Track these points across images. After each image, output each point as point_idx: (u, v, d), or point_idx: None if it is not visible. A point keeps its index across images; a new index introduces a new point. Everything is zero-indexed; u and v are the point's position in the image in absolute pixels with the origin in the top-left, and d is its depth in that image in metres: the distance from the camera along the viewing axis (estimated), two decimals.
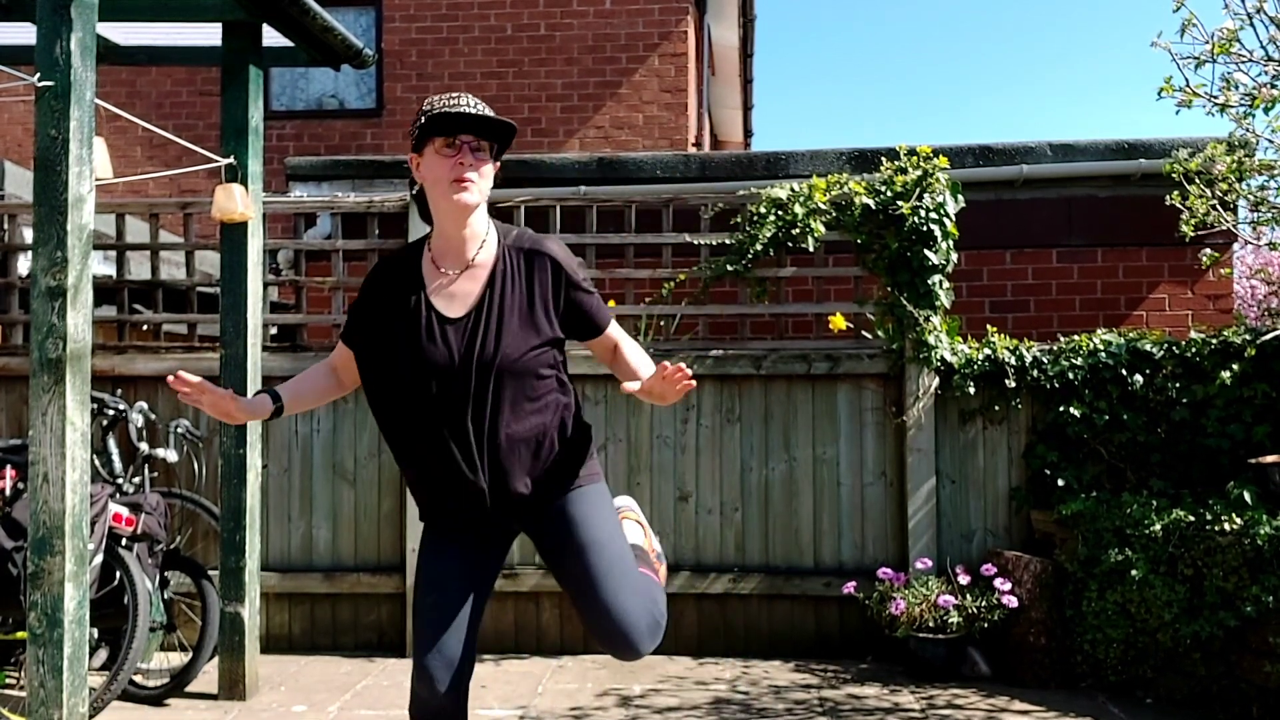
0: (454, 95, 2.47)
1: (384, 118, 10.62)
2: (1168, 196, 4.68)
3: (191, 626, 4.83)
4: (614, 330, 2.62)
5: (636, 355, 2.60)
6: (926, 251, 5.11)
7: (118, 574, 4.23)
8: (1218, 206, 4.51)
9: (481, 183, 2.44)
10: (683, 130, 10.34)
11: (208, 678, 4.60)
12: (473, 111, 2.41)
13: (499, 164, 2.52)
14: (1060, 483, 5.00)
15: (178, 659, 4.65)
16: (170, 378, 2.48)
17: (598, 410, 5.30)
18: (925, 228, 5.11)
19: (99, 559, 4.10)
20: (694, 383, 2.36)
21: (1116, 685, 4.57)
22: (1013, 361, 5.07)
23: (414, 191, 2.57)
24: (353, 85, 10.77)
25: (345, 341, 2.62)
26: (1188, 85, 4.23)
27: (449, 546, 2.55)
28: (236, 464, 4.51)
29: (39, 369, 3.29)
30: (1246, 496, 4.44)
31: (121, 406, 4.91)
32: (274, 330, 6.55)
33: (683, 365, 2.33)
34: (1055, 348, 5.11)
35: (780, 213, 5.26)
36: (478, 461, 2.44)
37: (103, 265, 5.98)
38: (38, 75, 3.30)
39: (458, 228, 2.47)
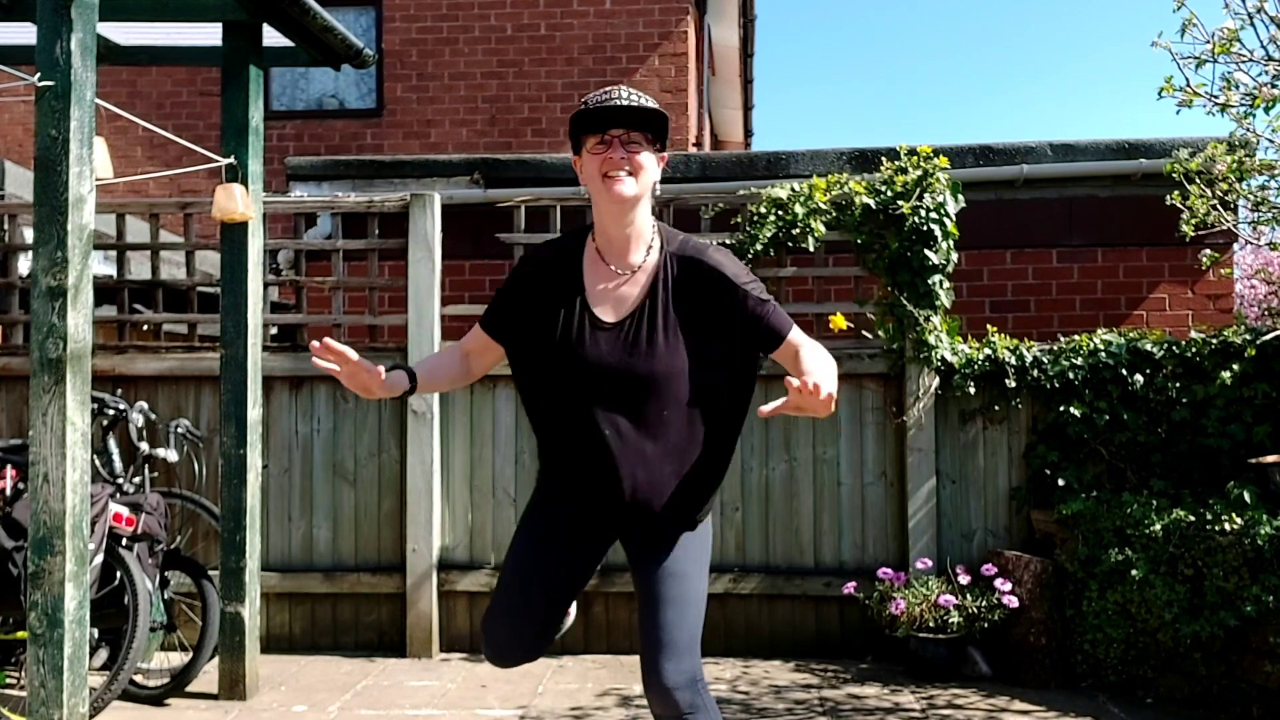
0: (606, 90, 2.38)
1: (384, 118, 10.62)
2: (1168, 196, 4.68)
3: (192, 626, 4.83)
4: (794, 336, 2.41)
5: (814, 360, 2.36)
6: (927, 251, 5.11)
7: (118, 574, 4.24)
8: (1218, 206, 4.51)
9: (637, 175, 2.32)
10: (683, 130, 10.34)
11: (208, 678, 4.60)
12: (620, 103, 2.30)
13: (663, 155, 2.41)
14: (1061, 483, 5.00)
15: (178, 659, 4.65)
16: (315, 344, 2.35)
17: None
18: (925, 227, 5.11)
19: (99, 559, 4.10)
20: (833, 394, 2.17)
21: (1117, 685, 4.57)
22: (1013, 361, 5.07)
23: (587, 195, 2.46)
24: (353, 85, 10.77)
25: (485, 328, 2.53)
26: (1188, 85, 4.23)
27: (561, 516, 2.53)
28: (237, 464, 4.51)
29: (39, 369, 3.29)
30: (1247, 496, 4.44)
31: (122, 406, 4.91)
32: (274, 330, 6.55)
33: (819, 383, 2.11)
34: (1056, 348, 5.11)
35: (780, 213, 5.26)
36: (617, 469, 2.36)
37: (103, 265, 5.98)
38: (38, 75, 3.30)
39: (619, 226, 2.37)
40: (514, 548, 2.57)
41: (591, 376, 2.35)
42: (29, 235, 5.19)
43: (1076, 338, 5.12)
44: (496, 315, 2.51)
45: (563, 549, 2.52)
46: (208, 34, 4.63)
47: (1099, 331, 5.17)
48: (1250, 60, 4.18)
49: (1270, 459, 4.56)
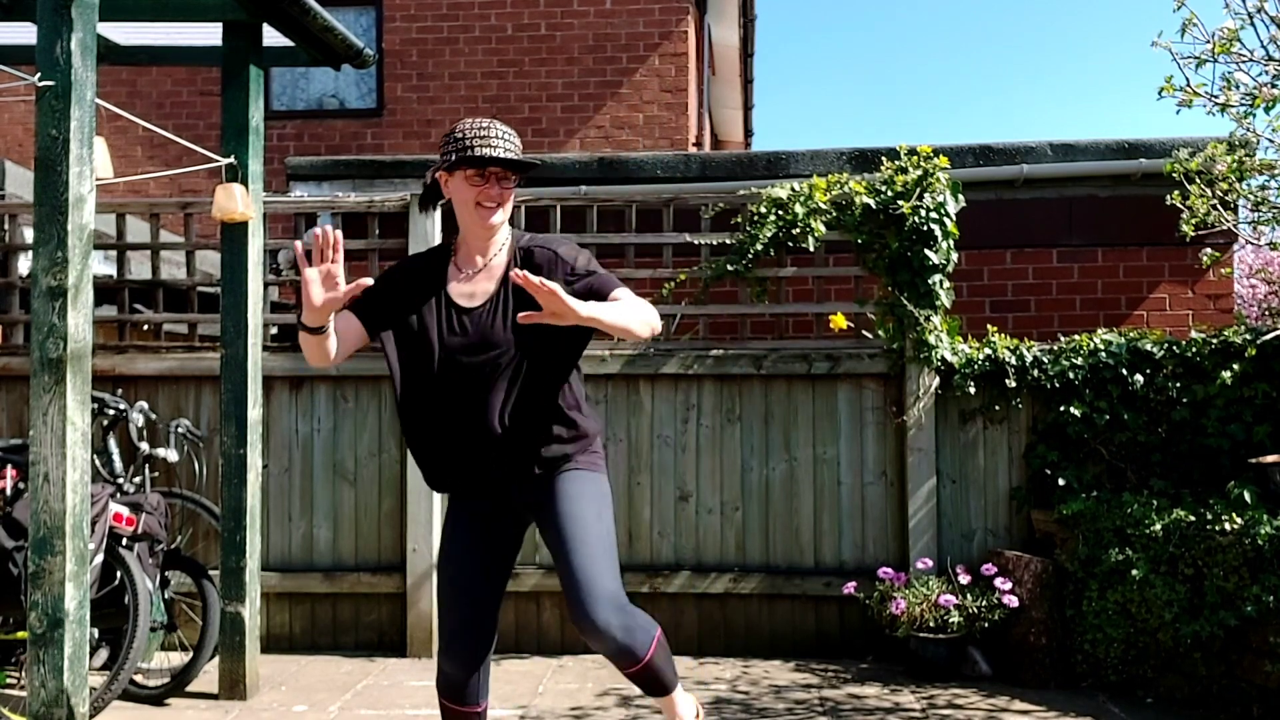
0: (483, 126, 2.71)
1: (384, 117, 10.62)
2: (1168, 196, 4.68)
3: (192, 626, 4.83)
4: (617, 293, 2.73)
5: (614, 304, 2.66)
6: (927, 251, 5.11)
7: (118, 574, 4.24)
8: (1218, 206, 4.51)
9: (506, 206, 2.77)
10: (683, 130, 10.35)
11: (208, 677, 4.60)
12: (502, 155, 2.69)
13: (515, 183, 2.78)
14: (1061, 482, 5.00)
15: (178, 659, 4.65)
16: (315, 231, 2.58)
17: (598, 410, 5.30)
18: (926, 227, 5.11)
19: (99, 559, 4.10)
20: (540, 284, 2.42)
21: (1117, 685, 4.57)
22: (1013, 361, 5.07)
23: (428, 199, 2.88)
24: (353, 85, 10.77)
25: (356, 313, 2.77)
26: (1188, 85, 4.23)
27: (465, 520, 2.84)
28: (237, 464, 4.51)
29: (40, 369, 3.29)
30: (1247, 496, 4.44)
31: (122, 406, 4.91)
32: (274, 330, 6.54)
33: (529, 276, 2.41)
34: (1056, 347, 5.11)
35: (781, 212, 5.26)
36: (486, 432, 2.71)
37: (103, 265, 5.98)
38: (38, 75, 3.30)
39: (483, 239, 2.79)
40: (442, 556, 2.87)
41: (459, 352, 2.73)
42: (29, 235, 5.19)
43: (1077, 338, 5.12)
44: (365, 304, 2.77)
45: (482, 551, 2.84)
46: (208, 34, 4.63)
47: (1099, 331, 5.17)
48: (1250, 60, 4.18)
49: (1270, 459, 4.56)
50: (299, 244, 2.58)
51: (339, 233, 2.58)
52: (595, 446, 2.89)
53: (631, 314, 2.64)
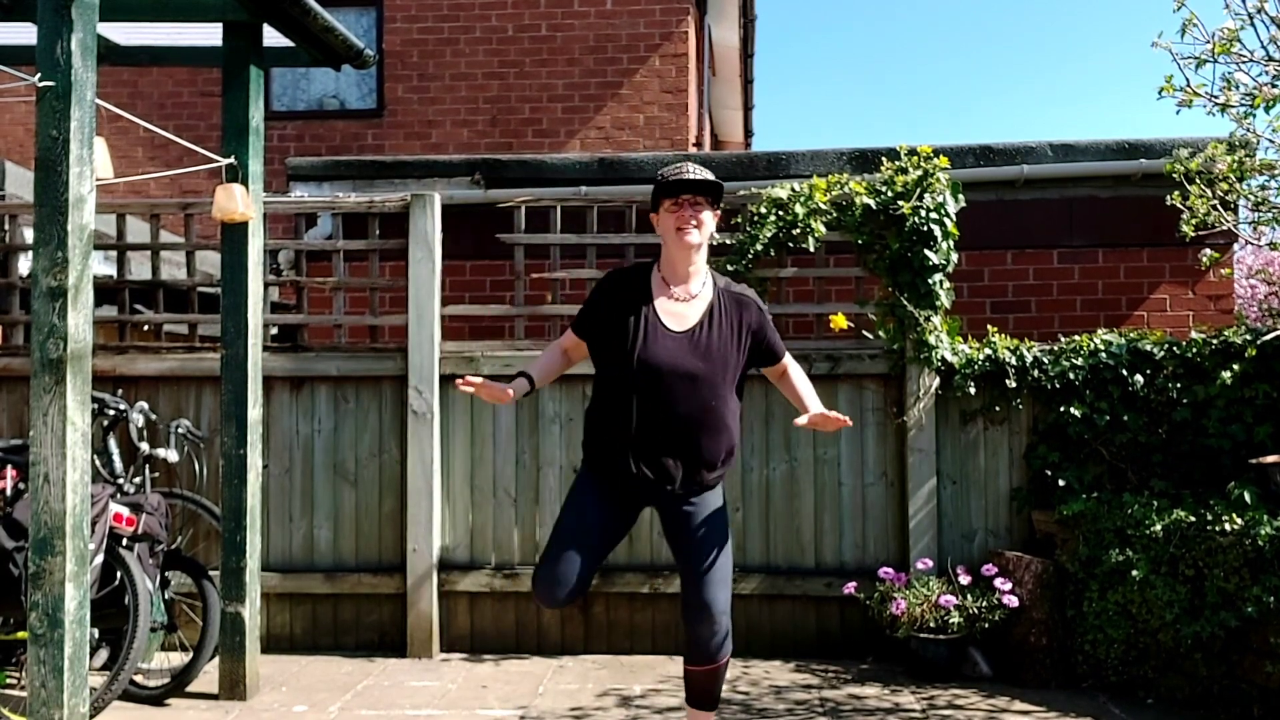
0: (679, 165, 3.22)
1: (385, 118, 10.62)
2: (1168, 196, 4.67)
3: (192, 626, 4.83)
4: (786, 360, 3.41)
5: (802, 382, 3.42)
6: (927, 252, 5.10)
7: (118, 574, 4.24)
8: (1218, 206, 4.51)
9: (702, 228, 3.18)
10: (683, 130, 10.35)
11: (208, 678, 4.60)
12: (690, 178, 3.15)
13: (719, 210, 3.26)
14: (1061, 483, 5.00)
15: (178, 659, 4.65)
16: (459, 382, 3.23)
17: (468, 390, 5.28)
18: (926, 228, 5.11)
19: (100, 559, 4.10)
20: (850, 422, 3.19)
21: (1118, 685, 4.57)
22: (1014, 362, 5.07)
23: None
24: (354, 86, 10.77)
25: (576, 331, 3.38)
26: (1188, 85, 4.23)
27: (600, 490, 3.26)
28: (237, 464, 4.51)
29: (40, 369, 3.29)
30: (1247, 497, 4.44)
31: (122, 406, 4.91)
32: (275, 330, 6.55)
33: (844, 417, 3.15)
34: (1056, 348, 5.10)
35: (781, 213, 5.26)
36: (665, 441, 3.14)
37: (103, 265, 5.98)
38: (38, 75, 3.30)
39: (685, 263, 3.22)
40: (571, 507, 3.28)
41: (662, 368, 3.13)
42: (29, 235, 5.19)
43: (1077, 338, 5.12)
44: (584, 321, 3.35)
45: (608, 508, 3.25)
46: (208, 34, 4.63)
47: (1099, 332, 5.17)
48: (1250, 60, 4.18)
49: (1271, 459, 4.56)
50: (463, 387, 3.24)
51: (475, 380, 3.22)
52: (732, 462, 3.34)
53: (813, 391, 3.39)
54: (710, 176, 3.19)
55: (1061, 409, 5.02)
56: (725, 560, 3.22)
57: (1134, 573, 4.42)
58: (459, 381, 3.24)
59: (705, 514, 3.23)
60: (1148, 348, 4.98)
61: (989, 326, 5.42)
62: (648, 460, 3.15)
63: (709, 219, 3.20)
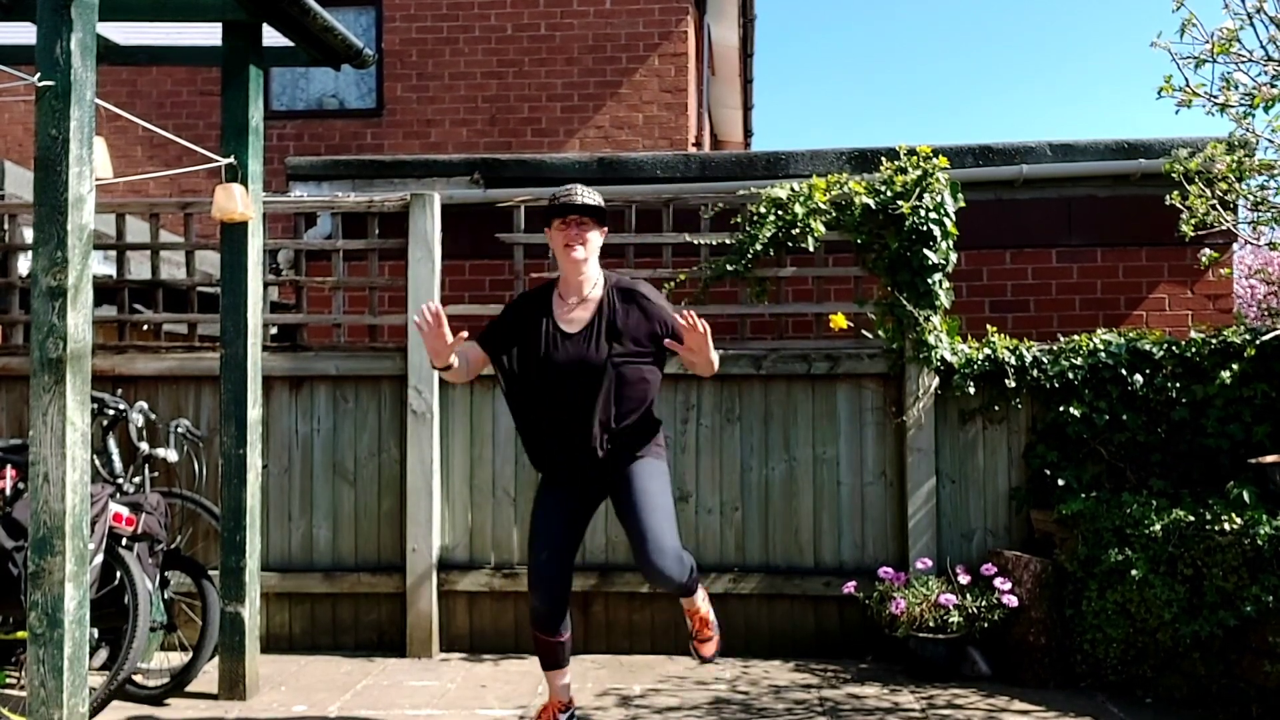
0: (569, 188, 3.61)
1: (384, 117, 10.63)
2: (1168, 196, 4.68)
3: (192, 626, 4.83)
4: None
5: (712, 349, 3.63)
6: (926, 251, 5.11)
7: (118, 574, 4.23)
8: (1218, 206, 4.51)
9: (588, 245, 3.60)
10: (683, 130, 10.35)
11: (208, 677, 4.60)
12: (579, 202, 3.56)
13: (604, 228, 3.67)
14: (1060, 482, 5.00)
15: (178, 659, 4.65)
16: (426, 306, 3.50)
17: (417, 322, 5.33)
18: (925, 227, 5.11)
19: (99, 559, 4.10)
20: (705, 325, 3.42)
21: (1116, 685, 4.57)
22: (1013, 361, 5.07)
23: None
24: (353, 85, 10.77)
25: (480, 344, 3.71)
26: (1187, 85, 4.23)
27: (555, 493, 3.68)
28: (237, 464, 4.51)
29: (39, 369, 3.29)
30: (1246, 496, 4.44)
31: (122, 406, 4.91)
32: (274, 330, 6.55)
33: (691, 313, 3.39)
34: (1055, 347, 5.11)
35: (780, 212, 5.26)
36: (583, 432, 3.51)
37: (103, 265, 5.98)
38: (38, 75, 3.30)
39: (575, 274, 3.63)
40: (535, 520, 3.71)
41: (562, 368, 3.54)
42: (29, 235, 5.19)
43: (1076, 338, 5.12)
44: (489, 336, 3.72)
45: (566, 517, 3.68)
46: (208, 34, 4.63)
47: (1099, 331, 5.17)
48: (1250, 60, 4.18)
49: (1270, 459, 4.56)
50: (415, 318, 3.49)
51: (438, 307, 3.48)
52: (660, 441, 3.71)
53: (716, 358, 3.61)
54: (596, 200, 3.61)
55: (1060, 408, 5.02)
56: (661, 513, 3.55)
57: (1133, 572, 4.42)
58: (425, 306, 3.50)
59: (636, 481, 3.58)
60: (1147, 347, 4.98)
61: (988, 326, 5.42)
62: (576, 451, 3.55)
63: (594, 237, 3.62)
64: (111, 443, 4.89)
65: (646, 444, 3.65)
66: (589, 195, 3.60)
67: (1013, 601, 4.67)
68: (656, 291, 3.72)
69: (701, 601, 3.90)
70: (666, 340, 3.55)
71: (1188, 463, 4.95)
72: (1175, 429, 4.96)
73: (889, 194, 5.20)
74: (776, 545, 5.28)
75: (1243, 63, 4.18)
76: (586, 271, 3.63)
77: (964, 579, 4.84)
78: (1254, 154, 4.66)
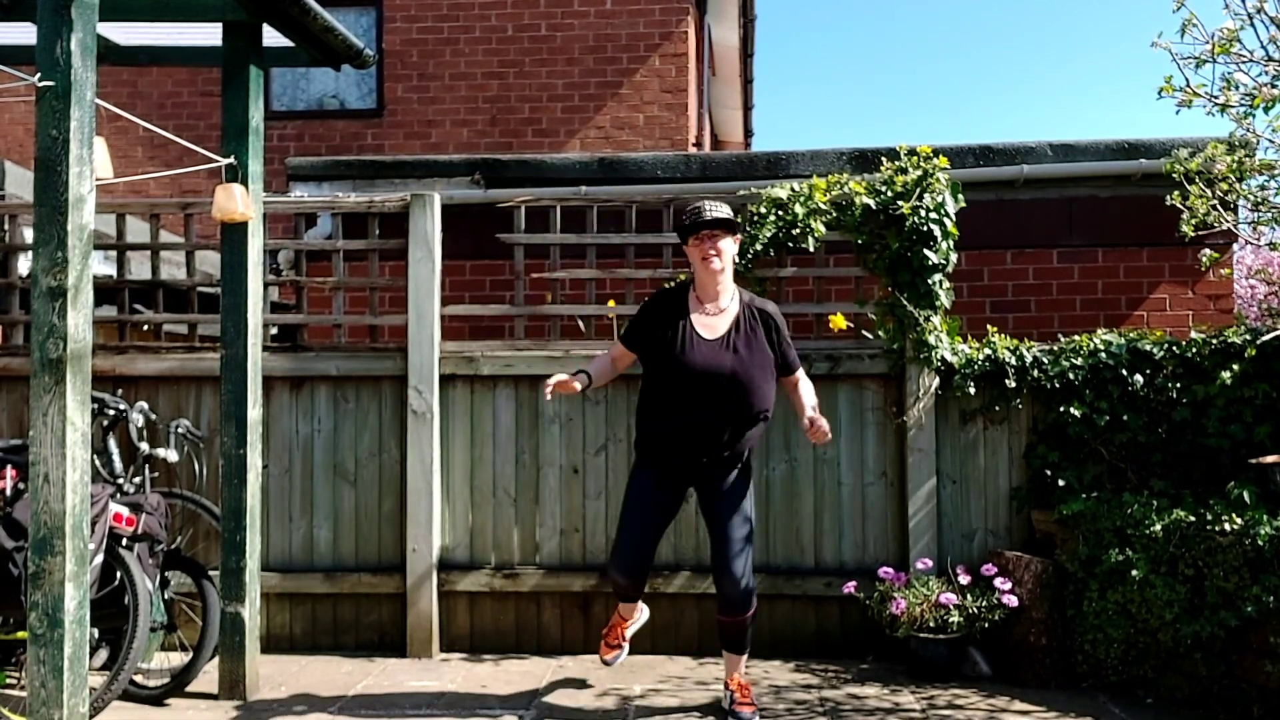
0: (698, 204, 3.99)
1: (385, 118, 10.63)
2: (1168, 196, 4.67)
3: (192, 626, 4.83)
4: (799, 373, 4.22)
5: (807, 393, 4.20)
6: (927, 251, 5.10)
7: (118, 574, 4.24)
8: (1218, 206, 4.50)
9: (723, 256, 3.96)
10: (683, 130, 10.35)
11: (208, 678, 4.60)
12: (709, 217, 3.92)
13: (738, 235, 4.07)
14: (1061, 483, 5.00)
15: (178, 659, 4.65)
16: (549, 393, 3.97)
17: (598, 410, 5.30)
18: (926, 228, 5.11)
19: (99, 559, 4.10)
20: (829, 436, 4.01)
21: (1117, 685, 4.57)
22: (1013, 361, 5.07)
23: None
24: (353, 85, 10.78)
25: (624, 343, 4.17)
26: (1188, 85, 4.22)
27: (654, 479, 4.07)
28: (237, 464, 4.51)
29: (40, 369, 3.29)
30: (1247, 497, 4.44)
31: (122, 406, 4.91)
32: (274, 330, 6.55)
33: (823, 428, 3.96)
34: (1056, 348, 5.10)
35: (780, 213, 5.26)
36: (707, 431, 3.91)
37: (103, 265, 5.98)
38: (38, 75, 3.30)
39: (713, 285, 4.00)
40: (632, 497, 4.11)
41: (698, 369, 3.91)
42: (29, 235, 5.19)
43: (1077, 338, 5.12)
44: (631, 335, 4.14)
45: (662, 495, 4.09)
46: (208, 34, 4.63)
47: (1099, 332, 5.17)
48: (1250, 60, 4.17)
49: (1270, 459, 4.56)
50: (547, 390, 4.00)
51: (552, 384, 3.96)
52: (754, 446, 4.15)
53: (815, 400, 4.18)
54: (727, 213, 3.94)
55: (1061, 409, 5.02)
56: (746, 527, 4.01)
57: (1134, 572, 4.42)
58: (548, 392, 3.97)
59: (732, 487, 4.02)
60: (1147, 347, 4.98)
61: (989, 326, 5.42)
62: (691, 442, 3.93)
63: (728, 246, 3.96)
64: (112, 443, 4.89)
65: (750, 452, 4.12)
66: (718, 209, 3.94)
67: (1013, 602, 4.66)
68: (780, 315, 4.15)
69: (744, 665, 4.26)
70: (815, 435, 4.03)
71: (1188, 463, 4.94)
72: (1176, 429, 4.96)
73: (889, 194, 5.20)
74: (777, 545, 5.28)
75: (1243, 63, 4.18)
76: (723, 281, 4.00)
77: (964, 579, 4.84)
78: (1254, 154, 4.66)
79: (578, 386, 4.02)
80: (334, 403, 5.40)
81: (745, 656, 4.22)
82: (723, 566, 3.98)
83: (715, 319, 4.00)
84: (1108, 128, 50.67)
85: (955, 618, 4.69)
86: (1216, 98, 4.22)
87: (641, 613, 4.54)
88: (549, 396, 3.98)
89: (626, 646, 4.51)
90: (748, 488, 4.10)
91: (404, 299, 5.35)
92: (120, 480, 4.80)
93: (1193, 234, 4.58)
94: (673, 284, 5.37)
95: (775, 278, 5.37)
